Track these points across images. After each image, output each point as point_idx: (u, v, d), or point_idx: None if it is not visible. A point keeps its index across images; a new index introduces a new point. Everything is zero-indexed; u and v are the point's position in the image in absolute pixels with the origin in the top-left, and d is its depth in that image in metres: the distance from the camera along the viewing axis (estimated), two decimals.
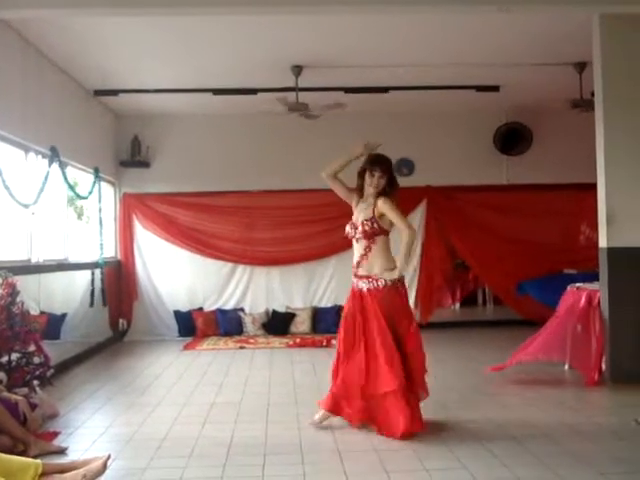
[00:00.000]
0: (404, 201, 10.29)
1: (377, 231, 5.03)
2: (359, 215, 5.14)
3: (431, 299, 10.70)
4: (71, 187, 8.14)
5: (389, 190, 5.14)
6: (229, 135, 10.62)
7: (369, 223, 5.04)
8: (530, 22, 6.84)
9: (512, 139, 10.67)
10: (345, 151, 5.37)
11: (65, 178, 7.89)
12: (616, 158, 6.35)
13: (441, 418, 5.25)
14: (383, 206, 5.01)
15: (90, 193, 8.86)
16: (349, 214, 5.31)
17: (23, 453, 4.31)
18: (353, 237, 5.13)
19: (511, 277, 10.52)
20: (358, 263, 5.09)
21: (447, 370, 7.30)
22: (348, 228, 5.17)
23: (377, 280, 5.00)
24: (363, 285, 5.05)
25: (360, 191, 5.24)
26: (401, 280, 5.07)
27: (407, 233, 4.98)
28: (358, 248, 5.11)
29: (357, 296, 5.08)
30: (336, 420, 5.12)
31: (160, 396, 6.29)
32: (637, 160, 6.31)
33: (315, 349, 8.87)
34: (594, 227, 6.83)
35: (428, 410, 5.47)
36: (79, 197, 8.59)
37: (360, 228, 5.07)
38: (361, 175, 5.21)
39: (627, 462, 4.14)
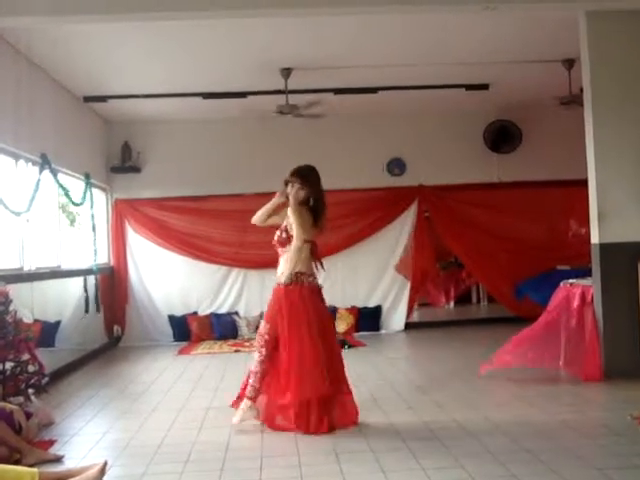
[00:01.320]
0: (397, 201, 10.59)
1: (285, 240, 5.25)
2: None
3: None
4: (66, 193, 8.13)
5: (313, 204, 5.30)
6: (220, 139, 10.62)
7: (279, 232, 5.31)
8: (518, 20, 6.86)
9: (502, 137, 10.70)
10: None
11: (59, 185, 7.89)
12: (606, 154, 6.36)
13: (437, 417, 5.25)
14: (291, 215, 5.22)
15: (83, 199, 8.84)
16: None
17: (19, 462, 4.30)
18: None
19: (504, 274, 10.56)
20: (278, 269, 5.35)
21: (442, 369, 7.32)
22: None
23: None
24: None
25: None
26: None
27: (296, 241, 5.15)
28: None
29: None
30: None
31: (156, 401, 6.28)
32: (627, 155, 6.33)
33: None
34: (585, 223, 6.85)
35: (424, 408, 5.50)
36: (74, 204, 8.57)
37: (275, 237, 5.34)
38: (285, 186, 5.37)
39: (623, 457, 4.15)
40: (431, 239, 10.67)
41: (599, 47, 6.37)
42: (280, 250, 5.32)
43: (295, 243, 5.16)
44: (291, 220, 5.22)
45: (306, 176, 5.31)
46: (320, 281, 5.38)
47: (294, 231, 5.18)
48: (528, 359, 6.53)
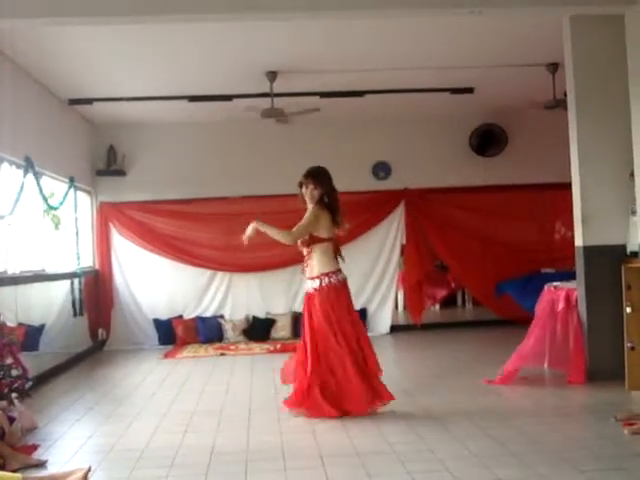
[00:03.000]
0: (382, 204, 10.60)
1: (307, 241, 5.62)
2: None
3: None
4: (44, 197, 8.02)
5: (328, 201, 5.70)
6: (206, 142, 10.60)
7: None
8: (503, 24, 6.89)
9: (488, 140, 10.73)
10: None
11: (40, 188, 7.81)
12: (590, 157, 6.40)
13: (422, 420, 5.26)
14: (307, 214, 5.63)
15: (61, 203, 8.71)
16: None
17: (2, 467, 4.27)
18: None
19: (490, 277, 10.59)
20: (303, 268, 5.74)
21: (428, 371, 7.33)
22: None
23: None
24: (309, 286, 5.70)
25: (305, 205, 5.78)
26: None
27: (289, 232, 5.60)
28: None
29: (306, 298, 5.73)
30: (317, 424, 5.17)
31: (140, 405, 6.25)
32: (611, 158, 6.37)
33: None
34: (570, 226, 6.89)
35: (411, 412, 5.51)
36: (50, 208, 8.45)
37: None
38: (300, 188, 5.78)
39: (607, 459, 4.17)
40: (420, 241, 10.68)
41: (583, 52, 6.41)
42: (305, 249, 5.66)
43: (288, 233, 5.60)
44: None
45: (318, 176, 5.69)
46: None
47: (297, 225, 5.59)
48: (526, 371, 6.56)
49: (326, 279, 5.57)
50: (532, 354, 6.55)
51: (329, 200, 5.70)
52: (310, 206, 5.67)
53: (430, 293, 13.15)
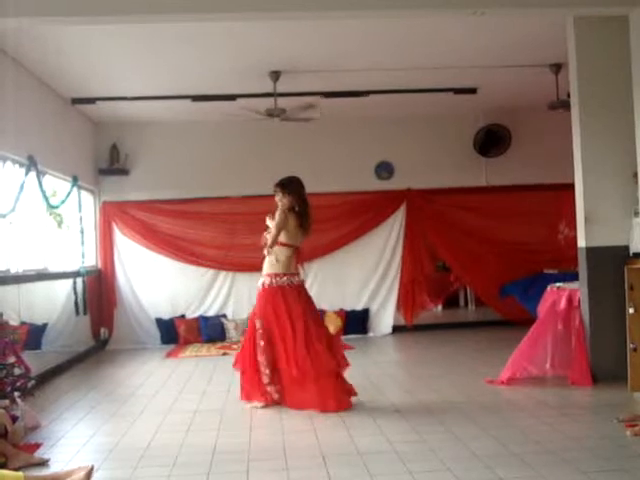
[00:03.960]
0: (384, 204, 10.61)
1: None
2: None
3: (414, 302, 10.72)
4: (45, 196, 8.01)
5: (298, 210, 6.07)
6: (209, 141, 10.61)
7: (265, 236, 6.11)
8: (506, 25, 6.88)
9: (492, 141, 10.72)
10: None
11: (41, 187, 7.80)
12: (593, 158, 6.40)
13: (424, 420, 5.26)
14: (272, 221, 6.07)
15: (63, 202, 8.72)
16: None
17: (4, 466, 4.28)
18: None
19: (492, 278, 10.60)
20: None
21: (430, 372, 7.33)
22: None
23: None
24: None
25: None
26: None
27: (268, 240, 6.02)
28: None
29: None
30: (319, 423, 5.15)
31: (143, 405, 6.26)
32: (614, 159, 6.36)
33: None
34: (573, 227, 6.88)
35: (413, 412, 5.51)
36: (51, 207, 8.43)
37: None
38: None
39: (608, 460, 4.17)
40: (421, 242, 10.68)
41: (586, 52, 6.41)
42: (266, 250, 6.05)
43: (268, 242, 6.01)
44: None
45: (286, 186, 6.10)
46: (307, 284, 5.76)
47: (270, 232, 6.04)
48: (528, 372, 6.55)
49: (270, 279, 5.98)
50: (534, 355, 6.56)
51: (299, 209, 6.08)
52: (277, 211, 6.07)
53: (428, 294, 13.17)
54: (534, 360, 6.56)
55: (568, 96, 6.99)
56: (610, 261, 6.25)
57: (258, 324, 5.90)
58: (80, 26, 6.43)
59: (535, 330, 6.58)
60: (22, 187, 7.15)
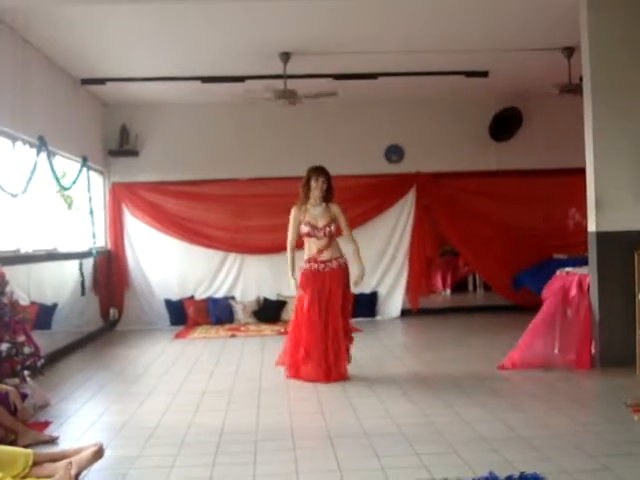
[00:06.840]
0: (394, 187, 10.58)
1: (335, 233, 6.32)
2: (318, 219, 6.24)
3: (420, 285, 10.71)
4: (56, 177, 8.02)
5: (330, 196, 6.29)
6: (218, 123, 10.59)
7: (329, 227, 6.23)
8: (518, 7, 6.83)
9: (503, 125, 10.65)
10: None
11: (52, 168, 7.81)
12: (604, 142, 6.35)
13: (432, 403, 5.27)
14: (337, 211, 6.29)
15: (73, 183, 8.74)
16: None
17: (14, 443, 4.31)
18: (314, 236, 6.22)
19: (501, 263, 10.58)
20: (320, 252, 6.23)
21: (438, 356, 7.35)
22: (308, 228, 6.21)
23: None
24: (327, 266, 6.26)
25: (306, 198, 6.30)
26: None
27: (354, 245, 6.40)
28: (317, 243, 6.23)
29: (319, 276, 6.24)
30: (327, 405, 5.19)
31: (152, 385, 6.29)
32: (625, 144, 6.33)
33: None
34: (583, 212, 6.85)
35: (420, 395, 5.52)
36: (62, 188, 8.46)
37: (322, 231, 6.22)
38: (306, 183, 6.28)
39: (616, 444, 4.17)
40: (431, 226, 10.66)
41: (599, 35, 6.35)
42: (327, 239, 6.23)
43: (354, 245, 6.42)
44: (336, 214, 6.27)
45: (328, 174, 6.28)
46: None
47: (345, 231, 6.40)
48: (536, 356, 6.53)
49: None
50: (543, 339, 6.54)
51: (331, 197, 6.31)
52: (336, 206, 6.29)
53: (436, 278, 13.18)
54: (543, 345, 6.55)
55: (580, 80, 6.94)
56: (620, 246, 6.22)
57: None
58: (91, 7, 6.43)
59: (544, 314, 6.56)
60: (35, 167, 7.14)
